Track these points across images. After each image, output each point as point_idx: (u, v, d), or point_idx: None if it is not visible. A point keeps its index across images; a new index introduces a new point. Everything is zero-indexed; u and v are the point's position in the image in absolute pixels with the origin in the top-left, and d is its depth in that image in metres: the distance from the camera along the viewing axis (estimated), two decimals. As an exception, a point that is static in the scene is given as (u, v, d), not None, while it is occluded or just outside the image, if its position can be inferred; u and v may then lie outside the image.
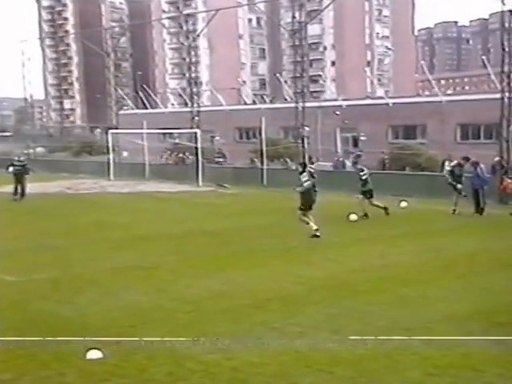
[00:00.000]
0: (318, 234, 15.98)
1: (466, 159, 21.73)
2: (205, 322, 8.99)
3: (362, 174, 20.78)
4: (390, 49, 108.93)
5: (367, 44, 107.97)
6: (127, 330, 8.50)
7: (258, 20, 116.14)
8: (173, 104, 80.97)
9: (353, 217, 19.22)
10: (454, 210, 20.69)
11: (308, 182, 16.63)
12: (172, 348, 7.79)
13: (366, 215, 19.91)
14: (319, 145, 42.34)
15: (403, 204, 21.93)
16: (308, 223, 16.33)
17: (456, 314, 9.20)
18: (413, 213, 21.20)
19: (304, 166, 17.44)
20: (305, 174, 16.83)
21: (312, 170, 17.74)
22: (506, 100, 24.89)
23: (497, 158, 25.49)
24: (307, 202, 16.49)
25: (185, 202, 25.27)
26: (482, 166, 21.40)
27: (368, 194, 20.45)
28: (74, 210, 22.92)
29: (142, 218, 20.35)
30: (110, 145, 37.38)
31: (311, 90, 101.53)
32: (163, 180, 34.74)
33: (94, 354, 7.44)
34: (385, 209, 20.25)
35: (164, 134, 51.49)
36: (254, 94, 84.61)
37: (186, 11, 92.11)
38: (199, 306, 9.74)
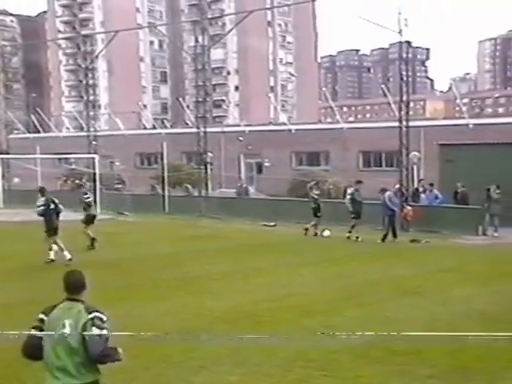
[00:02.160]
0: (53, 258, 16.99)
1: (359, 182, 22.67)
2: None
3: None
4: (293, 75, 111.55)
5: (271, 70, 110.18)
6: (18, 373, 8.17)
7: (160, 43, 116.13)
8: (68, 128, 79.19)
9: (326, 233, 19.98)
10: (357, 238, 21.29)
11: (42, 208, 17.61)
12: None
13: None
14: (223, 171, 42.55)
15: (326, 233, 22.14)
16: (51, 249, 17.25)
17: (357, 343, 9.42)
18: (316, 240, 21.60)
19: (42, 191, 18.43)
20: (42, 198, 17.81)
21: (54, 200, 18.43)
22: (404, 128, 25.92)
23: (397, 186, 26.42)
24: (49, 226, 17.58)
25: (81, 232, 24.64)
26: (388, 193, 22.13)
27: None
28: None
29: (34, 249, 19.69)
30: (0, 170, 36.23)
31: (214, 114, 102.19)
32: None
33: None
34: None
35: (59, 158, 50.28)
36: (155, 119, 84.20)
37: (84, 32, 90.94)
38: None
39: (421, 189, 27.48)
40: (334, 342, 9.45)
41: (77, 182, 40.90)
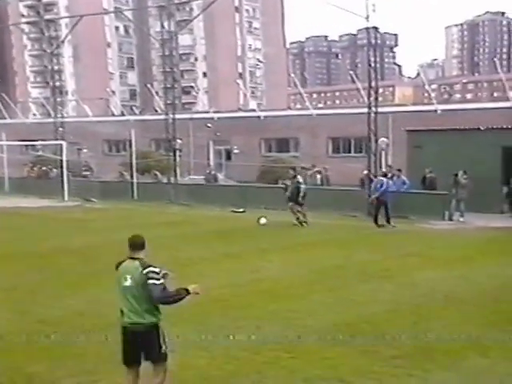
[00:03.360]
0: None
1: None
2: (67, 343, 8.91)
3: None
4: (261, 61, 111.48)
5: (239, 56, 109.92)
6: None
7: (126, 28, 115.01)
8: (35, 114, 78.24)
9: (263, 220, 19.99)
10: (302, 222, 21.58)
11: None
12: (30, 376, 7.71)
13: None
14: (192, 157, 42.52)
15: (263, 220, 21.98)
16: None
17: (324, 326, 9.63)
18: (284, 226, 21.81)
19: None
20: None
21: None
22: (372, 115, 26.17)
23: (365, 172, 26.72)
24: None
25: (48, 218, 24.60)
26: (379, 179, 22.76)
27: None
28: None
29: (0, 236, 19.62)
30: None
31: (183, 101, 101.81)
32: (25, 195, 33.72)
33: None
34: None
35: (26, 145, 49.75)
36: (124, 105, 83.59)
37: (48, 16, 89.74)
38: (61, 328, 9.57)
39: (389, 175, 27.79)
40: (300, 326, 9.67)
41: (44, 168, 40.63)
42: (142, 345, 6.50)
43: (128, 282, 6.52)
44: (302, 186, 22.08)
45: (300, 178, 22.37)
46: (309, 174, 29.43)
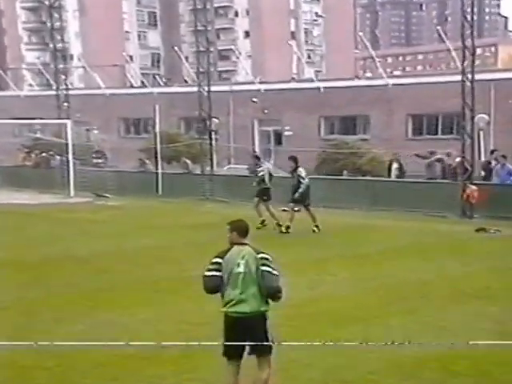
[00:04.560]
0: None
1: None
2: (69, 379, 8.99)
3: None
4: (320, 16, 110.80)
5: (291, 10, 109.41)
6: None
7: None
8: (31, 85, 79.10)
9: None
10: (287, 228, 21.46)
11: None
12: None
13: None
14: (232, 142, 42.62)
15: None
16: None
17: (405, 361, 9.44)
18: (350, 229, 21.61)
19: None
20: None
21: None
22: (467, 84, 25.64)
23: (458, 159, 26.25)
24: None
25: (50, 219, 24.85)
26: None
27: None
28: None
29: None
30: None
31: (220, 69, 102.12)
32: (20, 188, 34.39)
33: None
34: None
35: (20, 125, 50.49)
36: (144, 74, 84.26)
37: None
38: (63, 360, 9.59)
39: (493, 162, 27.26)
40: (374, 359, 9.50)
41: (43, 155, 41.11)
42: (249, 335, 7.53)
43: (241, 268, 7.60)
44: (305, 182, 21.87)
45: (303, 171, 22.14)
46: (427, 163, 28.59)
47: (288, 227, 21.41)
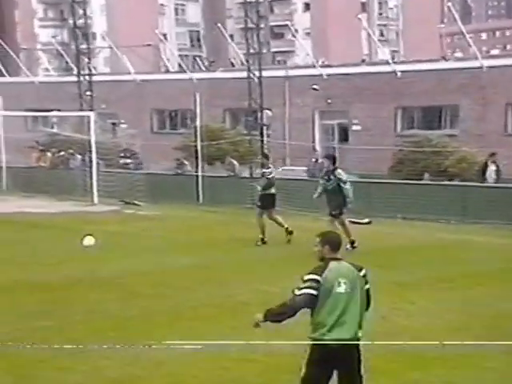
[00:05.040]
0: None
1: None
2: None
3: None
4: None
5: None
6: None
7: None
8: (47, 69, 79.47)
9: (88, 241, 19.59)
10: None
11: None
12: None
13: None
14: (288, 138, 42.34)
15: (87, 241, 20.09)
16: None
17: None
18: (433, 247, 21.19)
19: None
20: None
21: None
22: None
23: None
24: None
25: (70, 231, 24.72)
26: None
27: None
28: None
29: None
30: None
31: (274, 49, 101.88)
32: (33, 194, 34.58)
33: None
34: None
35: (34, 118, 50.76)
36: (182, 56, 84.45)
37: None
38: None
39: None
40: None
41: (61, 154, 41.14)
42: (344, 367, 7.88)
43: (343, 288, 7.85)
44: (347, 186, 21.01)
45: (343, 173, 21.41)
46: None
47: (353, 242, 20.78)
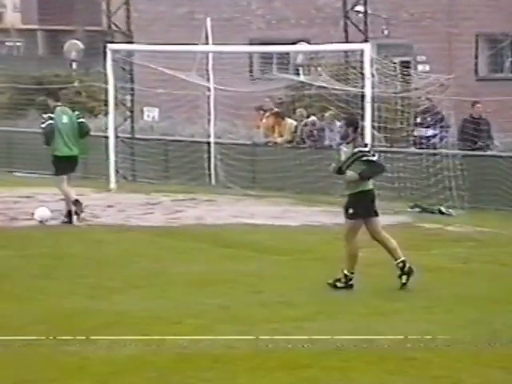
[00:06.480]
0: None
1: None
2: None
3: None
4: None
5: None
6: None
7: None
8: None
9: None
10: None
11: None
12: None
13: None
14: None
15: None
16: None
17: None
18: None
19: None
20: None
21: None
22: None
23: None
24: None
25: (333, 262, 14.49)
26: None
27: None
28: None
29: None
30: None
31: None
32: (261, 192, 24.07)
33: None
34: None
35: (264, 56, 31.77)
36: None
37: None
38: None
39: None
40: None
41: (312, 119, 25.80)
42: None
43: None
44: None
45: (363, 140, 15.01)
46: None
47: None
